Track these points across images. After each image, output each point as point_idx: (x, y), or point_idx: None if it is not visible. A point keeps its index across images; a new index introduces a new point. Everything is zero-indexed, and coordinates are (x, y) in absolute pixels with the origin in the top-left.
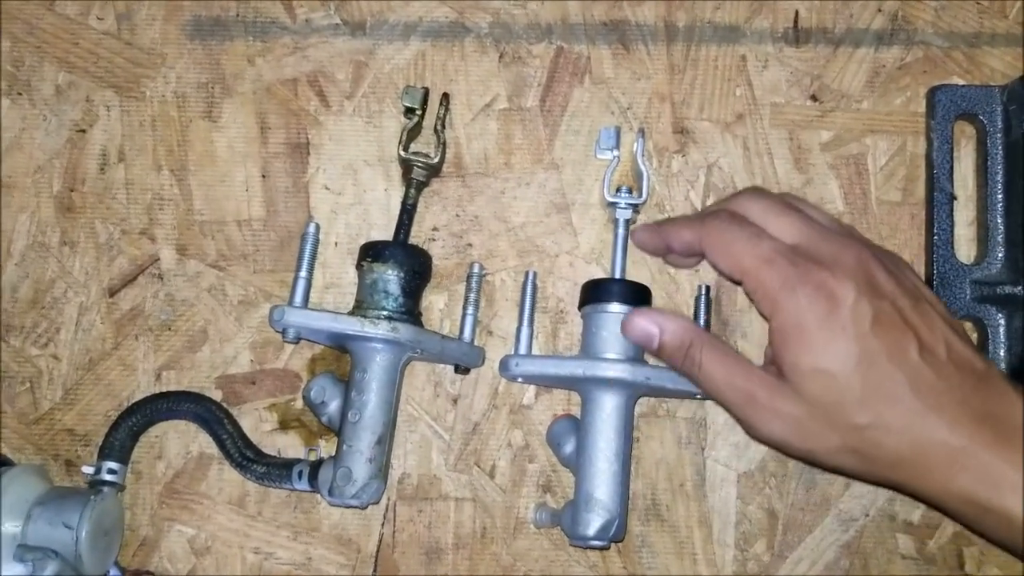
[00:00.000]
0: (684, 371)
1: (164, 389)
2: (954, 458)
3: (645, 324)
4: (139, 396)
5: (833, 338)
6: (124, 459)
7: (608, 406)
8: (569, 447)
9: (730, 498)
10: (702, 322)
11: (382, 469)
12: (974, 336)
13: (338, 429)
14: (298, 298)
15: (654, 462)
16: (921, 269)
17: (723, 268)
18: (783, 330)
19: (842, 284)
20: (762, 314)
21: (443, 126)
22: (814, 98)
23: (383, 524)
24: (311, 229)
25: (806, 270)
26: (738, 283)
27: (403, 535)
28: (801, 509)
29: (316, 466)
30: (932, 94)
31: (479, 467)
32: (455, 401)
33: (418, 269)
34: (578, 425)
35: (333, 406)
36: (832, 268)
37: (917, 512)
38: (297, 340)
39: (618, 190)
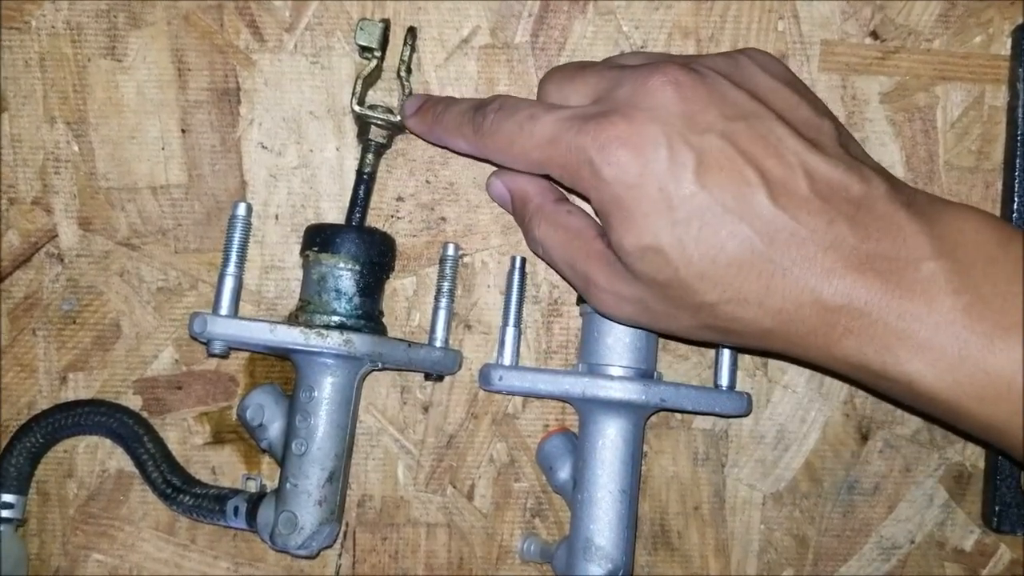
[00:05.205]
0: (529, 246)
1: (71, 395)
2: (833, 320)
3: (499, 187)
4: (41, 403)
5: (653, 205)
6: (22, 488)
7: (612, 431)
8: (564, 473)
9: (753, 523)
10: None
11: (335, 510)
12: None
13: (280, 459)
14: (224, 303)
15: (665, 481)
16: None
17: (522, 170)
18: (601, 211)
19: (644, 131)
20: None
21: (409, 70)
22: (875, 35)
23: (340, 554)
24: (240, 212)
25: (599, 130)
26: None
27: (364, 566)
28: (836, 535)
29: (257, 500)
30: (1021, 32)
31: (455, 487)
32: (426, 409)
33: (378, 260)
34: (575, 445)
35: (275, 429)
36: (629, 113)
37: (971, 538)
38: (226, 354)
39: None
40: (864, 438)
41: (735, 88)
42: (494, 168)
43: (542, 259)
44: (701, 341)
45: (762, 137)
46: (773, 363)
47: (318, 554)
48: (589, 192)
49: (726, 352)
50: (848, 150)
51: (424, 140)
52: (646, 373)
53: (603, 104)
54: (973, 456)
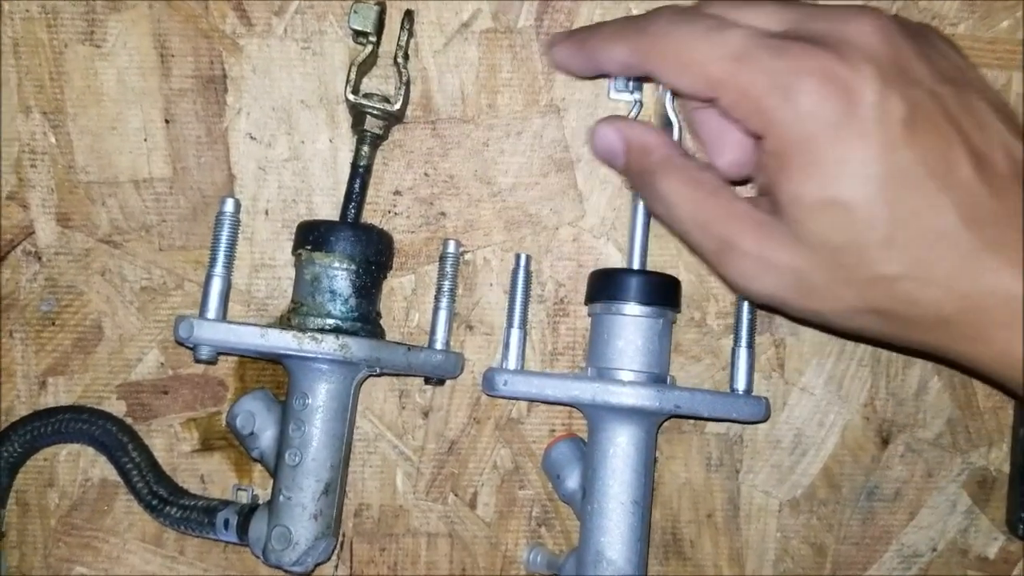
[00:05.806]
0: (646, 203)
1: (51, 400)
2: (1021, 315)
3: (610, 134)
4: (20, 409)
5: (850, 152)
6: (0, 500)
7: (623, 438)
8: (572, 482)
9: (769, 531)
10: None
11: (331, 524)
12: None
13: (273, 470)
14: (211, 306)
15: (676, 487)
16: None
17: (684, 88)
18: (781, 151)
19: (858, 70)
20: (753, 137)
21: (406, 56)
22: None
23: (337, 566)
24: (227, 208)
25: (802, 57)
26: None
27: None
28: (855, 544)
29: (248, 513)
30: None
31: (456, 495)
32: (426, 414)
33: (375, 259)
34: (583, 452)
35: (267, 438)
36: (841, 49)
37: (995, 545)
38: (214, 359)
39: None
40: (885, 442)
41: (936, 50)
42: (498, 165)
43: (659, 218)
44: (851, 331)
45: (968, 106)
46: (790, 364)
47: (314, 569)
48: (769, 127)
49: (742, 354)
50: None
51: (565, 70)
52: (659, 377)
53: (804, 33)
54: (997, 460)
